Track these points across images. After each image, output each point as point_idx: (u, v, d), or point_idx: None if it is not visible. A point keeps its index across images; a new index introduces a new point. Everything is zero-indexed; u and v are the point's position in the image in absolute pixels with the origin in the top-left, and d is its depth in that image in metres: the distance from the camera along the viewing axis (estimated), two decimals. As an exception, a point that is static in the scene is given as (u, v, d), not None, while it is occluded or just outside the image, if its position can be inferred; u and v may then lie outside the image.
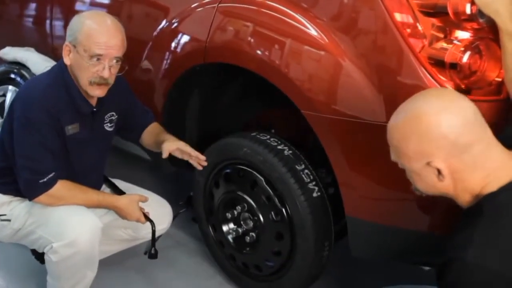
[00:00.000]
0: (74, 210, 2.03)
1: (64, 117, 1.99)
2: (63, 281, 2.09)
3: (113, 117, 2.20)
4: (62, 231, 1.97)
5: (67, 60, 1.98)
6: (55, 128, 1.98)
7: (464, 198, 1.36)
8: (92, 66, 1.94)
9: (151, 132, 2.33)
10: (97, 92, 1.99)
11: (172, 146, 2.16)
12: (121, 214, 2.15)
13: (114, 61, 1.97)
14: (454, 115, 1.30)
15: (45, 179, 1.96)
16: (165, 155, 2.15)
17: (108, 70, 1.95)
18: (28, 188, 2.00)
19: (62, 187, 2.01)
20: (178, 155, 2.18)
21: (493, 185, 1.31)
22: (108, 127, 2.19)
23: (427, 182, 1.37)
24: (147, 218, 2.17)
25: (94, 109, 2.09)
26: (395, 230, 1.87)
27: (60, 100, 1.98)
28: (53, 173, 1.97)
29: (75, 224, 1.98)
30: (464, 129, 1.29)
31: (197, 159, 2.18)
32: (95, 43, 1.91)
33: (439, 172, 1.32)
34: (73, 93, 2.01)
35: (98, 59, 1.93)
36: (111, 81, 2.00)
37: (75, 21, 1.97)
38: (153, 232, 2.18)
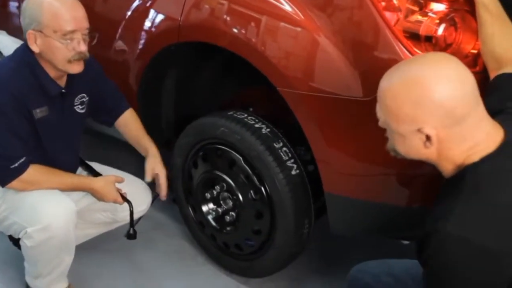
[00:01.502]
0: (48, 194, 2.00)
1: (31, 101, 1.95)
2: (40, 266, 2.08)
3: (84, 99, 2.16)
4: (36, 216, 1.95)
5: (35, 48, 1.92)
6: (22, 112, 1.93)
7: (447, 167, 1.33)
8: (67, 44, 1.90)
9: (129, 127, 2.32)
10: (77, 68, 1.96)
11: (154, 169, 2.21)
12: (97, 196, 2.12)
13: (85, 33, 1.94)
14: (455, 85, 1.26)
15: (16, 165, 1.92)
16: (148, 178, 2.22)
17: (83, 44, 1.93)
18: None
19: (34, 171, 1.97)
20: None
21: (476, 156, 1.29)
22: (79, 109, 2.15)
23: (410, 146, 1.33)
24: (124, 198, 2.15)
25: (63, 90, 2.04)
26: (373, 205, 1.87)
27: (26, 83, 1.94)
28: (24, 158, 1.94)
29: (49, 208, 1.95)
30: (461, 101, 1.25)
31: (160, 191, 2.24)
32: (64, 20, 1.88)
33: (427, 139, 1.28)
34: (39, 75, 1.96)
35: (70, 36, 1.90)
36: (87, 53, 1.97)
37: (31, 6, 1.90)
38: (131, 212, 2.16)
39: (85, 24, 1.94)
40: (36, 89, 1.96)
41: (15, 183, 1.96)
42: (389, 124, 1.34)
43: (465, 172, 1.29)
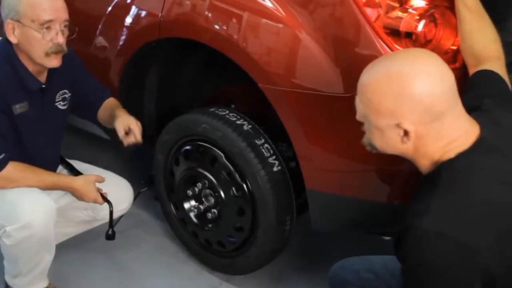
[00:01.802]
0: (27, 192, 1.97)
1: (10, 96, 1.93)
2: (20, 265, 2.05)
3: (66, 95, 2.14)
4: (15, 214, 1.92)
5: (13, 39, 1.90)
6: (1, 108, 1.91)
7: (423, 163, 1.35)
8: (45, 35, 1.88)
9: (106, 108, 2.27)
10: (55, 62, 1.94)
11: (124, 123, 2.10)
12: (77, 195, 2.10)
13: (64, 25, 1.92)
14: (434, 82, 1.27)
15: None
16: (121, 133, 2.10)
17: (62, 35, 1.91)
18: None
19: (13, 168, 1.95)
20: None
21: (452, 153, 1.30)
22: (61, 105, 2.13)
23: (388, 141, 1.34)
24: (104, 198, 2.12)
25: (43, 86, 2.02)
26: (355, 202, 1.87)
27: (5, 78, 1.92)
28: (3, 155, 1.91)
29: (28, 206, 1.93)
30: (440, 98, 1.27)
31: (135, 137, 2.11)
32: (42, 9, 1.86)
33: (405, 134, 1.29)
34: (19, 70, 1.94)
35: (48, 26, 1.88)
36: (65, 47, 1.95)
37: None
38: (111, 212, 2.14)
39: (64, 15, 1.92)
40: (15, 84, 1.94)
41: None
42: (368, 117, 1.34)
43: (441, 168, 1.30)
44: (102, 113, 2.28)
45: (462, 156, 1.29)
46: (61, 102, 2.13)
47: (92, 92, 2.26)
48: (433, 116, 1.27)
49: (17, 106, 1.95)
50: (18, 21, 1.87)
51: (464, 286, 1.22)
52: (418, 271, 1.25)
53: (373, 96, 1.31)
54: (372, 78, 1.32)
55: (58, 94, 2.11)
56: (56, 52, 1.92)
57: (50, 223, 1.98)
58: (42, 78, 2.02)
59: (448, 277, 1.22)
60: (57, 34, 1.89)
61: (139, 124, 2.11)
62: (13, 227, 1.92)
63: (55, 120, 2.14)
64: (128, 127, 2.09)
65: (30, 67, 1.96)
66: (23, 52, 1.93)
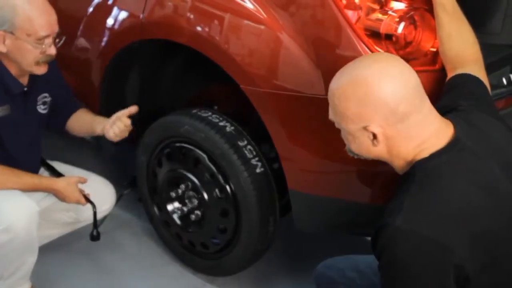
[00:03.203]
0: (8, 194, 1.95)
1: None
2: (2, 268, 2.03)
3: (46, 99, 2.13)
4: None
5: (2, 48, 1.88)
6: None
7: (398, 164, 1.38)
8: (38, 48, 1.88)
9: (81, 119, 2.27)
10: (43, 69, 1.95)
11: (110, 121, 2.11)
12: (60, 196, 2.09)
13: (55, 36, 1.93)
14: (397, 84, 1.30)
15: None
16: (111, 136, 2.11)
17: (54, 47, 1.92)
18: None
19: None
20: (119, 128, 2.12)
21: (425, 152, 1.33)
22: (41, 109, 2.12)
23: (361, 145, 1.38)
24: (87, 199, 2.12)
25: (25, 89, 2.01)
26: (337, 202, 1.88)
27: None
28: None
29: (9, 209, 1.91)
30: (404, 99, 1.29)
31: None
32: (39, 25, 1.86)
33: (374, 137, 1.33)
34: (1, 73, 1.93)
35: (43, 40, 1.89)
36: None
37: (2, 6, 1.85)
38: (94, 213, 2.14)
39: (56, 27, 1.93)
40: None
41: None
42: (339, 124, 1.39)
43: (415, 168, 1.33)
44: (77, 124, 2.28)
45: (435, 156, 1.32)
46: (42, 106, 2.12)
47: (68, 100, 2.26)
48: (398, 117, 1.30)
49: None
50: (12, 33, 1.86)
51: (437, 283, 1.24)
52: (392, 268, 1.28)
53: (340, 102, 1.35)
54: (337, 84, 1.37)
55: (39, 98, 2.10)
56: (45, 62, 1.94)
57: (32, 226, 1.96)
58: (24, 81, 2.01)
59: (421, 274, 1.24)
60: (50, 46, 1.91)
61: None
62: None
63: (36, 124, 2.13)
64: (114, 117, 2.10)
65: (13, 71, 1.95)
66: (8, 59, 1.92)
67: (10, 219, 1.90)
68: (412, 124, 1.31)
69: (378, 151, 1.36)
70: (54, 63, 2.05)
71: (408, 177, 1.33)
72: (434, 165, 1.31)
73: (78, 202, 2.11)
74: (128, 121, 2.10)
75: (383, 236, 1.26)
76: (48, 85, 2.10)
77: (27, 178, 2.03)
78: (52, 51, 1.93)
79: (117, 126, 2.10)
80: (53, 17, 1.92)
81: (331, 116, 1.41)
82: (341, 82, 1.36)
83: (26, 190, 2.02)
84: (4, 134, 2.00)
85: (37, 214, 1.98)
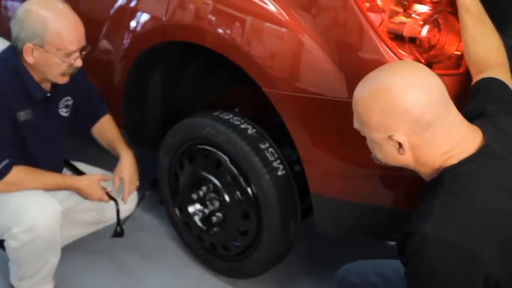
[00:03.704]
0: (32, 194, 1.98)
1: (16, 104, 1.94)
2: (25, 267, 2.06)
3: (68, 102, 2.15)
4: (20, 217, 1.93)
5: (30, 59, 1.90)
6: (6, 115, 1.92)
7: (425, 171, 1.36)
8: (66, 61, 1.91)
9: (104, 132, 2.31)
10: (66, 80, 1.98)
11: (121, 174, 2.19)
12: (83, 194, 2.12)
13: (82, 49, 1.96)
14: (421, 92, 1.29)
15: None
16: (115, 183, 2.20)
17: (80, 60, 1.95)
18: None
19: (18, 172, 1.96)
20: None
21: (454, 159, 1.31)
22: (63, 112, 2.14)
23: (387, 153, 1.36)
24: (110, 196, 2.14)
25: (48, 94, 2.03)
26: (359, 206, 1.87)
27: (11, 86, 1.93)
28: (7, 160, 1.92)
29: (33, 209, 1.94)
30: (428, 107, 1.28)
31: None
32: (69, 41, 1.88)
33: (399, 145, 1.32)
34: (25, 79, 1.95)
35: (72, 54, 1.91)
36: None
37: (32, 21, 1.86)
38: (117, 210, 2.16)
39: (84, 41, 1.95)
40: (20, 92, 1.95)
41: None
42: (364, 132, 1.38)
43: (443, 174, 1.31)
44: (99, 135, 2.32)
45: (464, 163, 1.30)
46: (64, 109, 2.14)
47: (92, 102, 2.28)
48: (424, 125, 1.28)
49: (22, 113, 1.96)
50: (41, 46, 1.88)
51: None
52: (419, 274, 1.26)
53: (363, 112, 1.34)
54: (361, 94, 1.35)
55: (61, 101, 2.12)
56: (71, 73, 1.96)
57: (55, 226, 1.99)
58: (47, 86, 2.03)
59: (449, 281, 1.23)
60: (76, 59, 1.93)
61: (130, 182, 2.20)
62: (19, 230, 1.94)
63: (58, 127, 2.15)
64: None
65: (36, 77, 1.97)
66: (34, 67, 1.94)
67: (33, 219, 1.93)
68: (438, 131, 1.29)
69: (404, 159, 1.35)
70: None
71: (436, 183, 1.31)
72: (463, 172, 1.29)
73: (101, 200, 2.14)
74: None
75: (411, 242, 1.25)
76: (72, 89, 2.12)
77: (50, 177, 2.05)
78: (79, 63, 1.95)
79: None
80: (81, 31, 1.94)
81: (356, 124, 1.40)
82: (364, 91, 1.35)
83: (50, 189, 2.04)
84: (27, 137, 2.02)
85: (60, 214, 2.00)
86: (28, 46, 1.88)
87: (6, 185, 1.95)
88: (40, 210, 1.95)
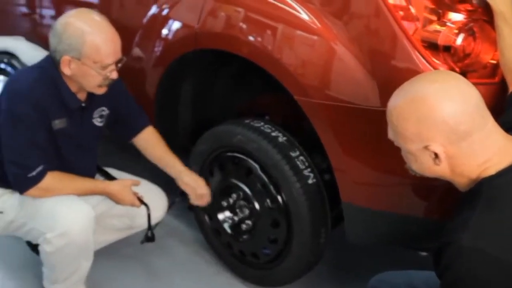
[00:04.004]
0: (66, 200, 2.01)
1: (51, 112, 1.97)
2: (58, 271, 2.09)
3: (103, 112, 2.17)
4: (54, 222, 1.96)
5: (67, 71, 1.93)
6: (42, 122, 1.95)
7: (462, 182, 1.34)
8: (102, 73, 1.93)
9: (150, 146, 2.32)
10: (103, 91, 2.01)
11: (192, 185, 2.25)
12: (114, 199, 2.14)
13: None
14: (457, 102, 1.27)
15: (33, 173, 1.94)
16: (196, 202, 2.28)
17: (116, 72, 1.97)
18: (17, 183, 1.99)
19: (51, 178, 1.99)
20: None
21: (492, 170, 1.29)
22: (98, 122, 2.16)
23: (422, 164, 1.35)
24: (141, 201, 2.15)
25: (83, 104, 2.06)
26: (390, 216, 1.85)
27: (48, 94, 1.95)
28: (41, 166, 1.95)
29: (67, 214, 1.96)
30: (464, 117, 1.26)
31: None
32: (106, 54, 1.91)
33: (436, 156, 1.30)
34: (61, 89, 1.98)
35: (108, 67, 1.94)
36: None
37: (71, 34, 1.88)
38: (149, 215, 2.17)
39: (120, 54, 1.97)
40: (56, 101, 1.98)
41: (32, 191, 1.97)
42: (399, 143, 1.36)
43: (481, 185, 1.29)
44: (147, 149, 2.33)
45: (503, 173, 1.28)
46: (98, 119, 2.16)
47: (130, 113, 2.28)
48: (460, 136, 1.27)
49: (57, 121, 1.99)
50: (78, 59, 1.90)
51: None
52: (455, 286, 1.24)
53: (398, 122, 1.33)
54: (395, 104, 1.34)
55: (96, 111, 2.14)
56: (107, 84, 1.99)
57: (89, 231, 2.01)
58: (83, 96, 2.06)
59: None
60: (112, 71, 1.95)
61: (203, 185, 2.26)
62: (52, 235, 1.96)
63: (91, 136, 2.18)
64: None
65: (73, 88, 2.00)
66: (71, 79, 1.97)
67: (67, 224, 1.95)
68: (475, 141, 1.28)
69: (440, 170, 1.33)
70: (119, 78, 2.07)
71: (473, 194, 1.29)
72: (501, 183, 1.27)
73: (132, 204, 2.15)
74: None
75: (447, 253, 1.23)
76: (108, 99, 2.13)
77: (83, 183, 2.08)
78: (114, 75, 1.96)
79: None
80: (118, 44, 1.96)
81: (390, 135, 1.39)
82: (399, 101, 1.34)
83: (82, 194, 2.07)
84: (61, 145, 2.05)
85: (93, 219, 2.02)
86: (65, 58, 1.91)
87: (40, 191, 1.98)
88: (73, 215, 1.98)
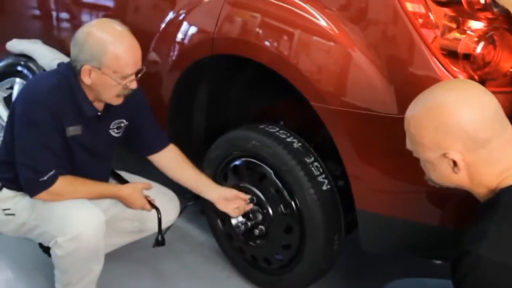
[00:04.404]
0: (77, 204, 2.01)
1: (67, 118, 1.97)
2: (69, 274, 2.09)
3: (122, 124, 2.17)
4: (65, 226, 1.96)
5: (87, 80, 1.93)
6: (57, 128, 1.96)
7: (480, 191, 1.34)
8: (121, 83, 1.93)
9: (178, 167, 2.30)
10: (120, 101, 2.00)
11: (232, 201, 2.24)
12: (125, 203, 2.14)
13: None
14: (475, 110, 1.28)
15: (45, 178, 1.94)
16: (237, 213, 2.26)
17: (135, 82, 1.97)
18: (28, 186, 1.99)
19: (63, 182, 1.99)
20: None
21: (511, 179, 1.29)
22: (114, 132, 2.16)
23: (441, 173, 1.35)
24: (152, 205, 2.15)
25: (99, 114, 2.06)
26: (405, 223, 1.84)
27: (64, 101, 1.96)
28: (53, 171, 1.96)
29: (78, 219, 1.97)
30: (483, 125, 1.27)
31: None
32: (126, 64, 1.91)
33: (454, 164, 1.30)
34: (78, 96, 1.98)
35: (128, 77, 1.94)
36: None
37: (92, 43, 1.89)
38: (159, 219, 2.17)
39: (140, 64, 1.97)
40: (72, 108, 1.98)
41: (43, 195, 1.98)
42: (418, 153, 1.37)
43: (500, 195, 1.29)
44: (166, 164, 2.30)
45: None
46: (115, 130, 2.16)
47: (148, 129, 2.26)
48: (479, 143, 1.27)
49: (71, 128, 1.99)
50: (99, 69, 1.90)
51: None
52: None
53: (416, 131, 1.34)
54: (413, 113, 1.35)
55: (113, 122, 2.14)
56: (125, 95, 1.98)
57: (99, 235, 2.01)
58: (100, 106, 2.06)
59: None
60: (132, 81, 1.95)
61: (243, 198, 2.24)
62: (64, 239, 1.96)
63: (106, 145, 2.18)
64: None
65: (90, 96, 2.00)
66: (90, 87, 1.97)
67: (78, 228, 1.96)
68: (494, 149, 1.28)
69: (459, 179, 1.33)
70: (138, 90, 2.04)
71: (491, 204, 1.29)
72: None
73: (143, 208, 2.15)
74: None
75: (465, 264, 1.23)
76: (127, 110, 2.12)
77: (94, 187, 2.08)
78: (134, 85, 1.96)
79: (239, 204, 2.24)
80: (138, 55, 1.95)
81: (409, 145, 1.39)
82: (416, 110, 1.34)
83: (93, 198, 2.07)
84: (75, 151, 2.05)
85: (104, 223, 2.02)
86: (86, 68, 1.91)
87: (51, 195, 1.99)
88: (84, 219, 1.98)
